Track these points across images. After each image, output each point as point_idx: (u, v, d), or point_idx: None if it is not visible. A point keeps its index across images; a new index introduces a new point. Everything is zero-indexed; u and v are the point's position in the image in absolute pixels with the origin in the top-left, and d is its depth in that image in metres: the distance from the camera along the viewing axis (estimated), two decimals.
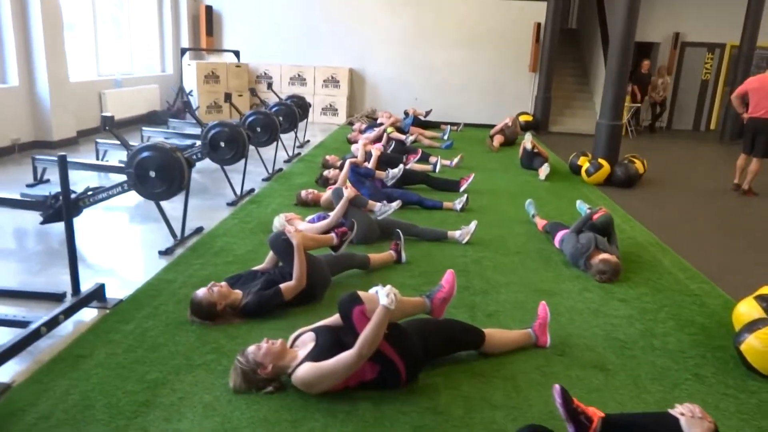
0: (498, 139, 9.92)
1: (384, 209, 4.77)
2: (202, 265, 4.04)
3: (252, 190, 6.18)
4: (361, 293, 2.61)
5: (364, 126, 10.53)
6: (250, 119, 6.63)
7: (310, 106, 9.32)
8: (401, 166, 6.24)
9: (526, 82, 12.54)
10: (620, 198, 6.73)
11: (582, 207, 5.29)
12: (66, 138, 8.19)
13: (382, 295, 2.54)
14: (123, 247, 4.47)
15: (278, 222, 4.75)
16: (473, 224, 4.84)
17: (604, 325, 3.44)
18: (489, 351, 3.01)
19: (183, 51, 11.47)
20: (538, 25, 12.09)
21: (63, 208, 3.15)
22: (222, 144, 5.58)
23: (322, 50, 12.46)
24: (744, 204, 6.94)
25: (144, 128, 8.27)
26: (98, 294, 3.34)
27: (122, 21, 10.57)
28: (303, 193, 5.67)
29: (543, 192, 6.89)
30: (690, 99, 14.31)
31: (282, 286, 3.30)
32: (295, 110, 7.92)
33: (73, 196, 4.35)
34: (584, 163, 7.68)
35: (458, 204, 5.79)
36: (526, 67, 12.43)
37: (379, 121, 9.64)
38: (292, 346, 2.71)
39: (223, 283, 3.25)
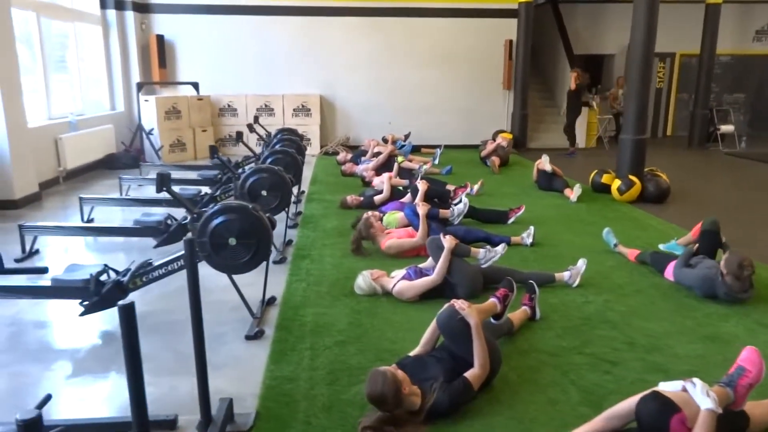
0: (496, 161, 9.55)
1: (489, 255, 4.16)
2: (314, 351, 3.25)
3: (290, 242, 5.38)
4: (668, 394, 2.00)
5: (349, 155, 9.89)
6: (270, 160, 5.83)
7: (303, 138, 8.56)
8: (465, 200, 5.67)
9: (500, 100, 12.32)
10: (666, 215, 6.46)
11: (672, 244, 4.95)
12: (29, 194, 6.98)
13: (699, 396, 1.95)
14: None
15: (364, 282, 4.05)
16: (582, 263, 4.32)
17: None
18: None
19: (139, 86, 10.34)
20: (510, 42, 11.94)
21: (191, 301, 2.33)
22: (264, 192, 4.77)
23: (290, 78, 11.69)
24: None
25: (123, 176, 7.22)
26: (229, 413, 2.52)
27: (67, 55, 9.37)
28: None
29: (586, 215, 6.52)
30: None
31: (468, 376, 2.62)
32: (302, 145, 7.16)
33: (120, 277, 3.49)
34: (609, 181, 7.42)
35: (528, 238, 5.28)
36: (499, 85, 12.23)
37: (376, 149, 9.00)
38: None
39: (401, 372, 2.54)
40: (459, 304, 2.74)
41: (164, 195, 4.02)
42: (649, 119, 14.77)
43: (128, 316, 1.56)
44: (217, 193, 5.98)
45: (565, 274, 4.27)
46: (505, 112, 12.39)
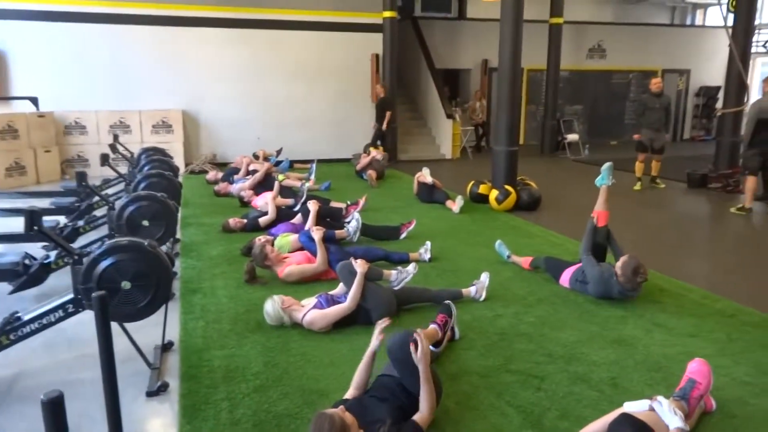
0: (373, 174, 9.56)
1: (402, 277, 4.06)
2: (232, 402, 2.90)
3: (175, 274, 4.86)
4: (638, 415, 1.99)
5: (220, 174, 9.34)
6: (143, 185, 5.26)
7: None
8: (357, 216, 5.54)
9: (370, 113, 12.39)
10: (542, 222, 6.84)
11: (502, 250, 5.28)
12: None
13: (668, 415, 1.97)
14: (79, 395, 3.04)
15: (272, 309, 3.75)
16: (485, 277, 4.37)
17: (716, 368, 3.24)
18: None
19: None
20: (377, 56, 12.09)
21: (104, 367, 1.93)
22: (145, 222, 4.26)
23: (147, 92, 10.81)
24: (639, 211, 7.56)
25: None
26: None
27: None
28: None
29: (471, 226, 6.70)
30: None
31: (418, 420, 2.47)
32: (175, 166, 6.59)
33: None
34: (486, 191, 7.71)
35: (426, 253, 5.26)
36: (368, 98, 12.32)
37: (251, 167, 8.57)
38: None
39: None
40: (418, 342, 2.55)
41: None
42: None
43: (55, 414, 1.20)
44: (81, 224, 5.28)
45: (472, 290, 4.29)
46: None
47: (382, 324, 2.73)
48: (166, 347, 3.49)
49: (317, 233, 4.71)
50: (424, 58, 13.54)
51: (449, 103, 13.49)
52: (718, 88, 16.82)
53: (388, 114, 11.48)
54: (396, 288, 4.03)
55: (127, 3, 10.50)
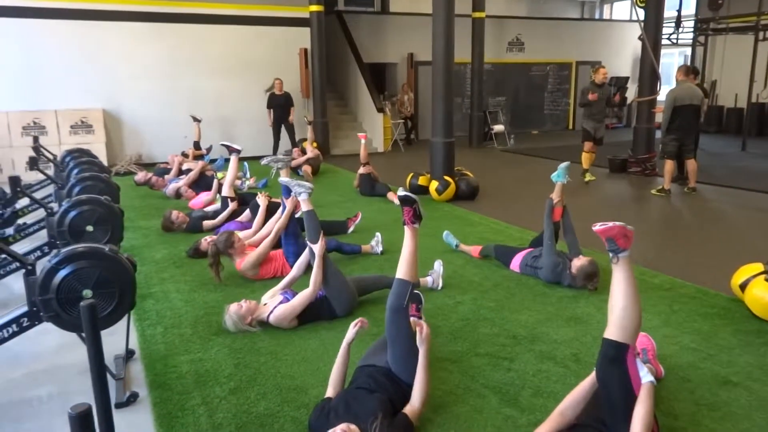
0: (308, 170, 9.49)
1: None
2: (209, 406, 2.83)
3: None
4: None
5: (149, 175, 8.96)
6: (78, 189, 4.98)
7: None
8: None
9: (300, 109, 12.27)
10: (483, 211, 7.05)
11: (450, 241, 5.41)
12: None
13: (643, 370, 2.13)
14: (38, 415, 2.86)
15: (231, 323, 3.62)
16: (438, 266, 4.48)
17: (664, 337, 3.50)
18: None
19: None
20: (305, 50, 11.96)
21: (95, 380, 1.84)
22: (89, 228, 4.04)
23: (64, 90, 10.17)
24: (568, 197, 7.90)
25: None
26: None
27: None
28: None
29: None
30: (427, 111, 15.88)
31: (409, 413, 2.52)
32: (107, 168, 6.28)
33: None
34: (426, 182, 7.85)
35: (378, 246, 5.31)
36: (298, 94, 12.17)
37: (185, 166, 8.28)
38: None
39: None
40: (422, 331, 2.62)
41: None
42: (430, 122, 16.07)
43: (85, 428, 1.14)
44: (10, 232, 4.94)
45: (428, 279, 4.39)
46: (305, 121, 12.37)
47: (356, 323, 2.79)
48: (129, 356, 3.34)
49: (290, 203, 4.70)
50: (351, 53, 13.52)
51: (378, 97, 13.55)
52: (627, 78, 17.87)
53: (292, 110, 11.56)
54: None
55: None
